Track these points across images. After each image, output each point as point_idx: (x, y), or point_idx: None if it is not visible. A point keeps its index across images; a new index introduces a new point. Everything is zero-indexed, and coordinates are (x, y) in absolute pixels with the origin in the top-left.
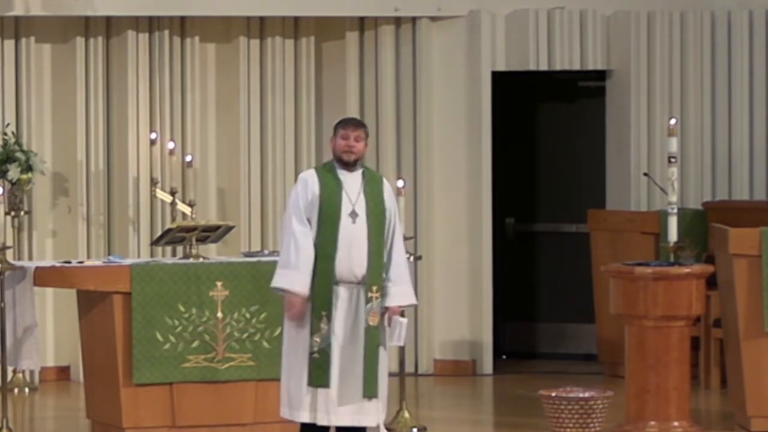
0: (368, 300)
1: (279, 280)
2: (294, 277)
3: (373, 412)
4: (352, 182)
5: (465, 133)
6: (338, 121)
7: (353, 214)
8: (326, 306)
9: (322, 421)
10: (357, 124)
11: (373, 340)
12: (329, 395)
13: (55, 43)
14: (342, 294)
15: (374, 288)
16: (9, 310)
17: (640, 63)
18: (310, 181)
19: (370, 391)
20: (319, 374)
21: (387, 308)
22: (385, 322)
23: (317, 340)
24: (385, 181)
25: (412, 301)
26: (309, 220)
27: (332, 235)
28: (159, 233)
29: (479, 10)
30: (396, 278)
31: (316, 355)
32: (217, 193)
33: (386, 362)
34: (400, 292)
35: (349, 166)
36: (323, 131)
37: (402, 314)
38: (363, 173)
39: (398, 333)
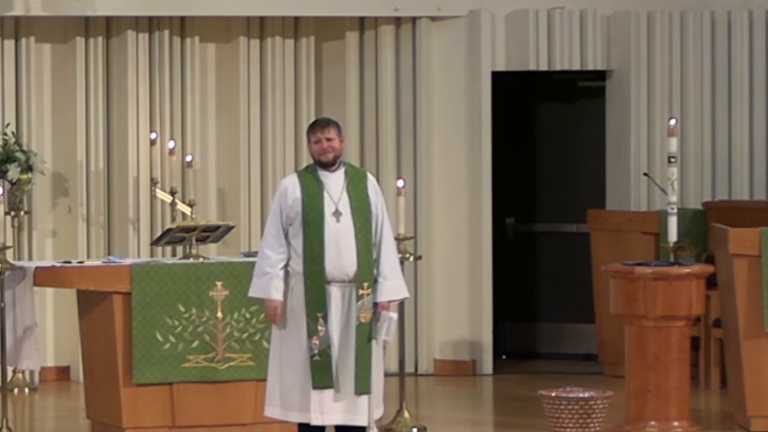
0: (359, 297)
1: (254, 290)
2: (267, 283)
3: (364, 411)
4: (334, 182)
5: (465, 133)
6: (308, 126)
7: (337, 213)
8: (321, 307)
9: (316, 421)
10: (325, 124)
11: (365, 336)
12: (323, 395)
13: (55, 43)
14: (334, 294)
15: (365, 285)
16: (9, 310)
17: (640, 63)
18: (290, 187)
19: (362, 388)
20: (321, 376)
21: (377, 304)
22: (377, 318)
23: (316, 342)
24: (369, 176)
25: (403, 294)
26: (291, 223)
27: (318, 236)
28: (159, 233)
29: (479, 10)
30: (386, 273)
31: (317, 358)
32: (217, 193)
33: (380, 357)
34: (389, 287)
35: (330, 166)
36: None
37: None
38: (346, 171)
39: (387, 328)
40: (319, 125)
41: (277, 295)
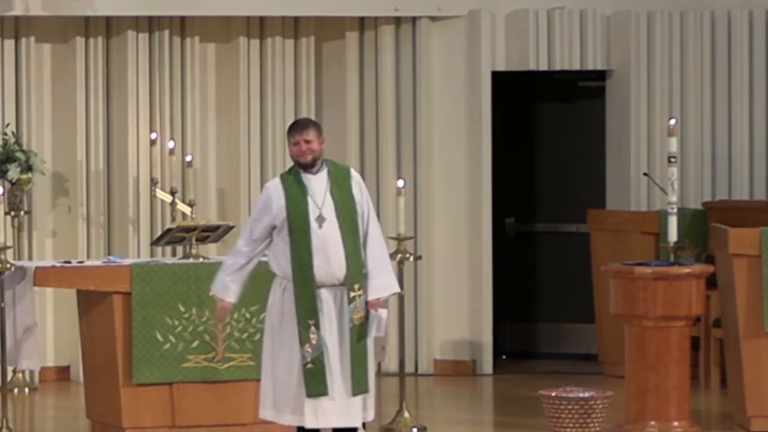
0: (351, 300)
1: (215, 287)
2: (226, 286)
3: (359, 412)
4: (317, 185)
5: (465, 133)
6: (288, 127)
7: (320, 219)
8: (312, 314)
9: (310, 424)
10: (304, 125)
11: (359, 337)
12: (317, 398)
13: (55, 43)
14: (325, 298)
15: (356, 286)
16: (9, 310)
17: (640, 63)
18: (274, 194)
19: (360, 388)
20: (315, 384)
21: (367, 303)
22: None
23: (308, 350)
24: (353, 173)
25: (393, 290)
26: (277, 229)
27: (305, 243)
28: (159, 233)
29: (479, 10)
30: (374, 270)
31: (310, 366)
32: (217, 193)
33: (373, 357)
34: (378, 284)
35: (309, 168)
36: (323, 131)
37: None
38: (328, 171)
39: (376, 325)
40: (297, 127)
41: (230, 297)
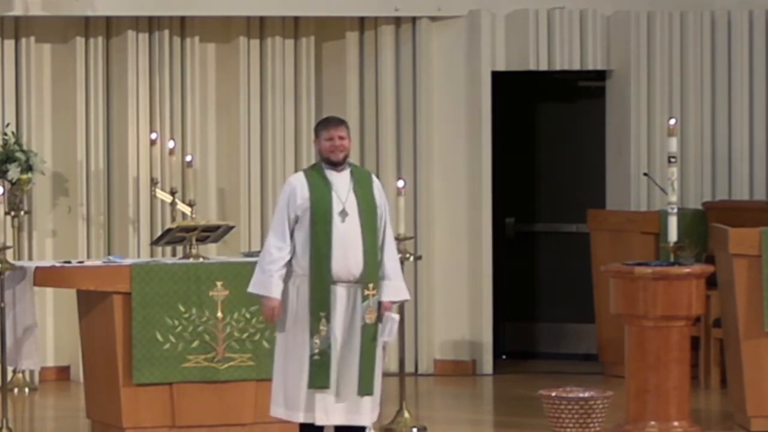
0: (365, 298)
1: (255, 286)
2: (268, 281)
3: (368, 411)
4: (341, 182)
5: (465, 133)
6: (318, 122)
7: (343, 213)
8: (325, 307)
9: (320, 421)
10: (338, 122)
11: (369, 337)
12: (326, 395)
13: (55, 43)
14: (340, 293)
15: (371, 285)
16: (9, 310)
17: (640, 63)
18: (298, 186)
19: (366, 389)
20: (319, 376)
21: (380, 304)
22: (380, 318)
23: (317, 342)
24: (373, 177)
25: (405, 296)
26: (298, 222)
27: (326, 235)
28: (159, 233)
29: (479, 10)
30: (389, 274)
31: (316, 357)
32: (217, 193)
33: (381, 359)
34: (392, 287)
35: (338, 165)
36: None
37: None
38: (351, 172)
39: (389, 329)
40: (332, 123)
41: (276, 294)
